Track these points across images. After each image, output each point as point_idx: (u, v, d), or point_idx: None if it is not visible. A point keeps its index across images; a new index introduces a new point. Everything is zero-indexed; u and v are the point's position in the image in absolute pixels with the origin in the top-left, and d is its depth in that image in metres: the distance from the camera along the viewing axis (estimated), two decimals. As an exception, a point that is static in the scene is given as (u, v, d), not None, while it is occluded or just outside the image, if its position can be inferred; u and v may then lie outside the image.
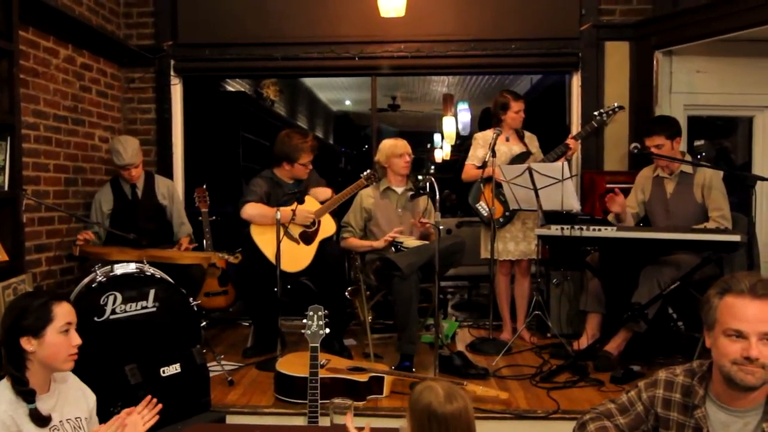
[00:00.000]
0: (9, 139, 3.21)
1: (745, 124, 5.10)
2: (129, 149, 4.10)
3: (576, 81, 5.13)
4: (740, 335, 1.70)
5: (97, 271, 3.27)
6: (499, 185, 4.23)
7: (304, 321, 2.70)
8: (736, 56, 4.76)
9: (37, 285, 3.78)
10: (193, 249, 4.29)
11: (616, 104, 4.43)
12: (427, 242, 4.00)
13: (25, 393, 2.01)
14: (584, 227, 3.65)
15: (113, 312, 3.18)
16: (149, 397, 2.16)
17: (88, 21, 4.51)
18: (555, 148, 4.35)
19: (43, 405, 2.06)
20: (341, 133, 13.55)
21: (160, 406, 2.16)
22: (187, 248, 4.17)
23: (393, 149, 4.22)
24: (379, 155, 4.30)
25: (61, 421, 2.11)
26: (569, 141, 4.33)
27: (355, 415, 2.49)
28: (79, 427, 2.17)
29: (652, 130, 3.90)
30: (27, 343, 2.05)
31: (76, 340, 2.11)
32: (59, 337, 2.07)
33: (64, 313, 2.10)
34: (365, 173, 4.28)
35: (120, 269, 3.29)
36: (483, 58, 5.09)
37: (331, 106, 12.40)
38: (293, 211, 3.86)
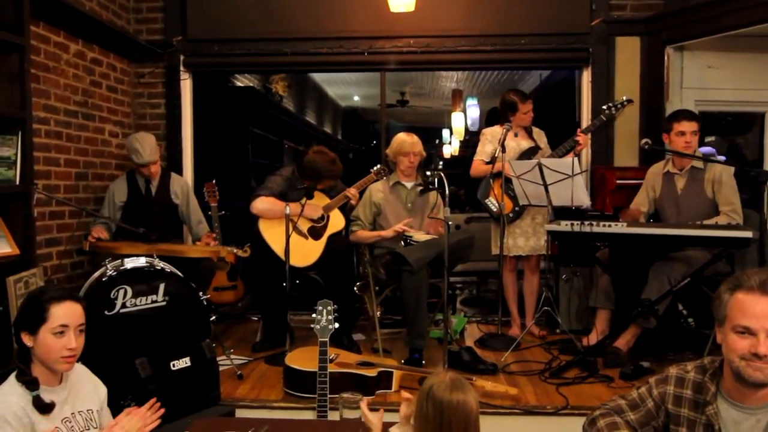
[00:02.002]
0: (20, 133, 3.22)
1: (758, 120, 5.06)
2: (147, 147, 4.10)
3: (586, 76, 5.10)
4: (749, 331, 1.70)
5: (108, 265, 3.28)
6: (508, 181, 4.22)
7: (313, 315, 2.70)
8: (747, 52, 4.73)
9: (47, 279, 3.80)
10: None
11: (624, 98, 4.40)
12: (436, 237, 3.99)
13: (28, 382, 2.02)
14: (594, 223, 3.64)
15: (123, 306, 3.20)
16: (154, 399, 2.15)
17: (98, 16, 4.52)
18: (564, 143, 4.34)
19: (55, 397, 2.08)
20: (349, 128, 13.56)
21: (162, 410, 2.15)
22: (210, 243, 4.17)
23: (400, 147, 4.20)
24: (389, 149, 4.29)
25: (73, 413, 2.13)
26: (578, 136, 4.31)
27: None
28: (91, 419, 2.18)
29: (693, 116, 3.88)
30: (26, 338, 2.06)
31: (71, 343, 2.05)
32: (51, 338, 2.04)
33: (60, 314, 2.05)
34: (375, 168, 4.29)
35: (130, 263, 3.31)
36: (493, 53, 5.07)
37: (339, 101, 12.40)
38: (302, 205, 3.86)
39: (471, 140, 10.35)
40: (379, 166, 4.33)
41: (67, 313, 2.07)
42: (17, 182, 3.21)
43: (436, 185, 3.84)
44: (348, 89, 11.06)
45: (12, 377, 2.05)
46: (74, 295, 2.15)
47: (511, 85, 9.09)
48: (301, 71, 8.43)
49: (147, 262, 3.36)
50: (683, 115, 3.91)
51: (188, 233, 4.61)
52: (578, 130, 4.38)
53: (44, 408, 2.01)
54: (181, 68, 5.20)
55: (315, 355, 2.70)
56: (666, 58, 4.77)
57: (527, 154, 4.37)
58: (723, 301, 1.78)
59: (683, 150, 3.83)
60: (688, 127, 3.82)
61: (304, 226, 4.09)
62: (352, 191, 4.20)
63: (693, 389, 1.87)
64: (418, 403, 1.82)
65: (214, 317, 3.59)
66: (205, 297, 3.51)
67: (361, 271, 4.40)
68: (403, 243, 3.99)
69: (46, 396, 2.04)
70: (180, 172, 5.03)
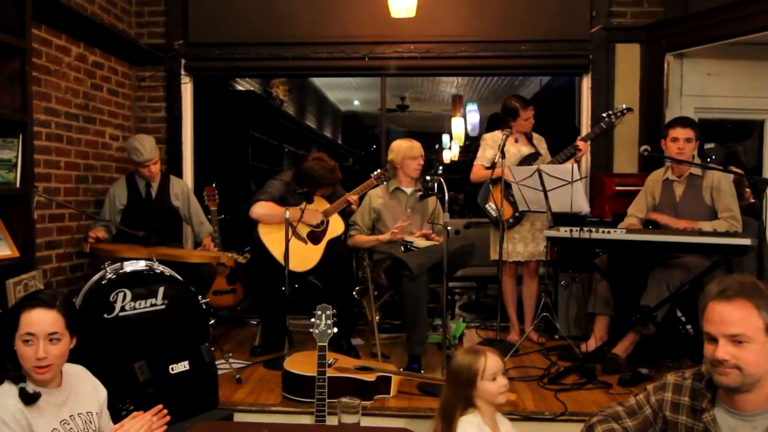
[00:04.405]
0: (21, 136, 3.22)
1: (757, 128, 5.07)
2: (147, 146, 4.13)
3: (586, 83, 5.12)
4: (711, 337, 1.76)
5: (107, 269, 3.28)
6: (508, 186, 4.23)
7: (312, 320, 2.71)
8: (747, 59, 4.74)
9: (47, 282, 3.81)
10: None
11: (624, 106, 4.41)
12: (437, 242, 3.99)
13: (15, 377, 2.03)
14: (593, 229, 3.64)
15: (122, 309, 3.19)
16: (160, 406, 2.14)
17: (99, 20, 4.54)
18: (564, 150, 4.34)
19: (54, 399, 2.08)
20: (349, 133, 13.58)
21: (168, 417, 2.13)
22: (209, 247, 4.19)
23: (409, 151, 4.20)
24: (393, 155, 4.27)
25: (72, 416, 2.13)
26: (578, 143, 4.32)
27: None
28: (90, 422, 2.18)
29: (687, 123, 3.88)
30: (14, 343, 2.07)
31: (39, 352, 2.02)
32: (21, 346, 2.03)
33: (27, 322, 2.03)
34: (375, 173, 4.29)
35: (129, 267, 3.30)
36: (493, 59, 5.09)
37: (339, 105, 12.43)
38: (302, 210, 3.86)
39: (471, 145, 10.37)
40: (379, 171, 4.33)
41: (34, 321, 2.04)
42: (17, 185, 3.22)
43: (436, 190, 3.84)
44: (348, 94, 11.08)
45: (6, 382, 2.05)
46: (49, 302, 2.09)
47: (511, 91, 9.12)
48: (301, 75, 8.46)
49: (146, 266, 3.35)
50: (678, 121, 3.93)
51: (188, 237, 4.62)
52: (578, 137, 4.39)
53: (29, 399, 2.00)
54: (182, 72, 5.22)
55: (314, 359, 2.71)
56: (666, 65, 4.78)
57: (527, 160, 4.38)
58: (700, 311, 1.84)
59: (676, 156, 3.84)
60: (682, 133, 3.82)
61: (304, 230, 4.10)
62: (352, 197, 4.20)
63: (690, 396, 1.88)
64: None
65: (213, 321, 3.59)
66: (204, 301, 3.51)
67: (360, 275, 4.41)
68: (403, 249, 3.99)
69: (45, 398, 2.04)
70: (180, 175, 5.04)
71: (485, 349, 2.35)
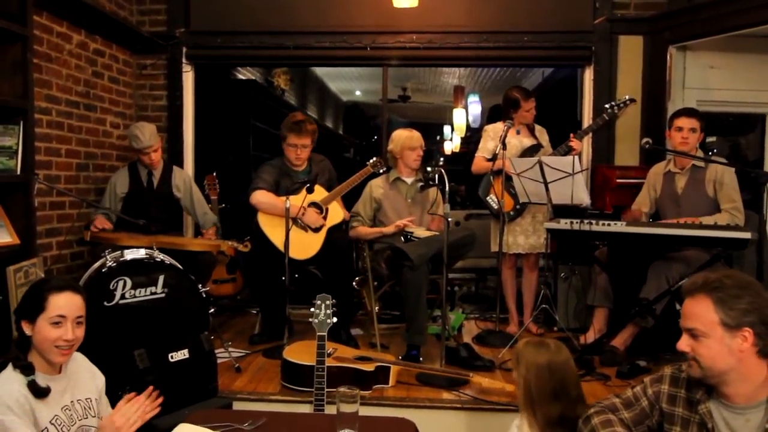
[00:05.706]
0: (22, 123, 3.22)
1: (760, 121, 5.06)
2: (146, 132, 4.12)
3: (588, 75, 5.10)
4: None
5: (107, 256, 3.29)
6: (509, 178, 4.22)
7: (312, 309, 2.71)
8: (750, 52, 4.73)
9: (47, 269, 3.81)
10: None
11: (627, 97, 4.40)
12: (437, 233, 4.00)
13: (23, 367, 2.04)
14: (593, 222, 3.64)
15: (123, 297, 3.21)
16: (151, 387, 2.16)
17: (101, 7, 4.52)
18: (558, 147, 4.34)
19: (55, 386, 2.09)
20: (351, 123, 13.54)
21: (161, 399, 2.15)
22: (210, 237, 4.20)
23: (408, 141, 4.21)
24: (392, 145, 4.28)
25: (72, 402, 2.14)
26: (572, 141, 4.31)
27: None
28: (90, 408, 2.20)
29: (692, 113, 3.87)
30: (26, 327, 2.08)
31: (68, 334, 2.06)
32: (48, 327, 2.05)
33: (58, 305, 2.06)
34: (371, 161, 4.29)
35: (130, 255, 3.32)
36: (495, 50, 5.07)
37: (341, 95, 12.38)
38: (304, 208, 3.87)
39: (472, 137, 10.34)
40: (375, 158, 4.32)
41: (65, 304, 2.08)
42: (18, 172, 3.22)
43: (437, 181, 3.84)
44: (350, 84, 11.05)
45: (9, 366, 2.06)
46: (75, 286, 2.16)
47: (513, 82, 9.09)
48: (303, 65, 8.42)
49: (147, 254, 3.36)
50: (683, 111, 3.92)
51: (189, 225, 4.61)
52: (571, 135, 4.37)
53: (39, 392, 2.02)
54: (184, 60, 5.20)
55: (313, 349, 2.71)
56: (668, 57, 4.77)
57: (529, 152, 4.37)
58: None
59: (679, 146, 3.83)
60: (687, 123, 3.81)
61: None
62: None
63: (687, 389, 1.89)
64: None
65: (212, 309, 3.60)
66: (204, 289, 3.52)
67: (360, 265, 4.41)
68: (403, 239, 4.00)
69: (44, 383, 2.05)
70: (181, 164, 5.04)
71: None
